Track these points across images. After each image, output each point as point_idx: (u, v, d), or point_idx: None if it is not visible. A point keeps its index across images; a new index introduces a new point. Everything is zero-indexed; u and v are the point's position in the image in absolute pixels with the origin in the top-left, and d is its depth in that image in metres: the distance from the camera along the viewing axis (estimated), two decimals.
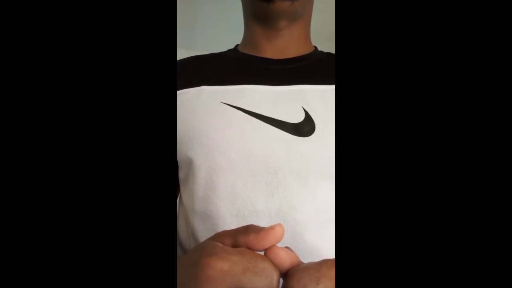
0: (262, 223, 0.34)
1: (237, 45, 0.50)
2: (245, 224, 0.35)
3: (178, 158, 0.40)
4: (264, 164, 0.36)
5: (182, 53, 0.54)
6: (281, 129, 0.37)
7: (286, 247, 0.23)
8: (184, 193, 0.41)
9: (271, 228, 0.22)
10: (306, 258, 0.23)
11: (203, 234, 0.37)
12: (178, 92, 0.42)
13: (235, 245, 0.22)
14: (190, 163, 0.38)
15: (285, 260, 0.21)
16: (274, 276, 0.20)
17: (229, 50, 0.49)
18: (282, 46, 0.45)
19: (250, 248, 0.21)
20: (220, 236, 0.23)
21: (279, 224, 0.22)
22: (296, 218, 0.35)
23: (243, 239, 0.22)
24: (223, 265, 0.19)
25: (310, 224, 0.35)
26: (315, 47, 0.49)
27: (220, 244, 0.22)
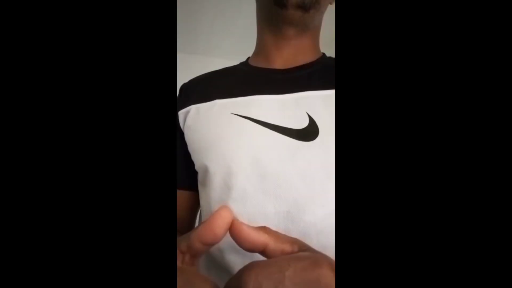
0: (272, 225, 0.35)
1: (249, 57, 0.54)
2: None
3: (196, 167, 0.45)
4: (271, 168, 0.38)
5: (182, 58, 0.54)
6: (286, 135, 0.40)
7: (263, 227, 0.23)
8: (202, 198, 0.45)
9: (214, 213, 0.21)
10: None
11: None
12: (194, 106, 0.47)
13: (190, 248, 0.22)
14: (206, 170, 0.42)
15: (251, 236, 0.21)
16: None
17: (241, 64, 0.54)
18: (290, 55, 0.48)
19: (205, 244, 0.21)
20: (178, 242, 0.22)
21: (223, 206, 0.22)
22: (304, 219, 0.36)
23: (195, 236, 0.21)
24: None
25: (318, 225, 0.35)
26: (323, 53, 0.51)
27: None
